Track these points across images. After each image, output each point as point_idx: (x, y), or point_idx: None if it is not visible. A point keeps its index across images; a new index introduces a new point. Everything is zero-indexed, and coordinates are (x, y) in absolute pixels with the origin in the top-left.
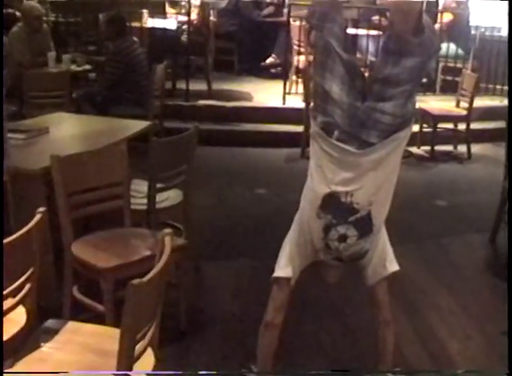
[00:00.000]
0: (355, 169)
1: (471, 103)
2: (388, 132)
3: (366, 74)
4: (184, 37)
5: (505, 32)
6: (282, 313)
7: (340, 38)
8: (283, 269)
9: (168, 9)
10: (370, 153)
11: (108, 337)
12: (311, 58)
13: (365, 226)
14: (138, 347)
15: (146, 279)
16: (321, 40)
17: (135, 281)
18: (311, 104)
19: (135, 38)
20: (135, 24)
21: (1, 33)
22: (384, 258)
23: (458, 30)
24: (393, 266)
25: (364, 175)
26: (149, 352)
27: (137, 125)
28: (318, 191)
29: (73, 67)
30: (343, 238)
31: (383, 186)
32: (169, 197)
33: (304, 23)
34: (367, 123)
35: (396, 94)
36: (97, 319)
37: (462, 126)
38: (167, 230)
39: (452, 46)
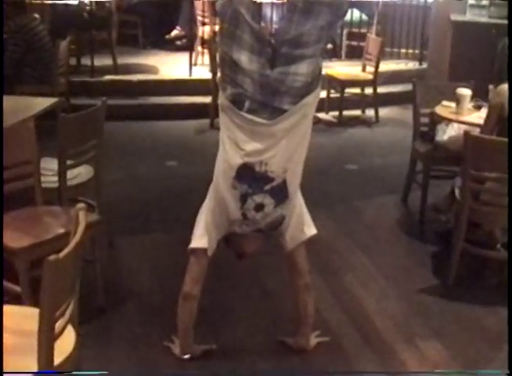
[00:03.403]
0: (267, 139)
1: (377, 67)
2: (300, 97)
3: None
4: (86, 12)
5: None
6: (200, 284)
7: (250, 7)
8: (199, 239)
9: None
10: (281, 122)
11: (26, 317)
12: (216, 28)
13: (280, 194)
14: (58, 324)
15: (62, 254)
16: (229, 8)
17: (51, 257)
18: (219, 75)
19: (36, 15)
20: (36, 1)
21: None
22: (302, 222)
23: None
24: (311, 230)
25: (277, 143)
26: (70, 329)
27: (44, 102)
28: (231, 162)
29: None
30: (260, 207)
31: (296, 152)
32: (80, 174)
33: None
34: (280, 89)
35: (306, 54)
36: (14, 301)
37: (369, 90)
38: (81, 205)
39: (356, 12)
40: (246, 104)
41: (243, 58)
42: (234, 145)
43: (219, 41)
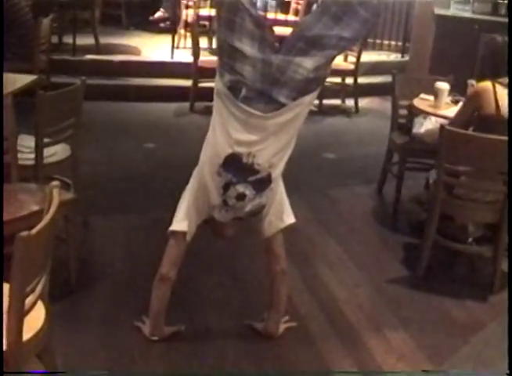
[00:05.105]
0: (259, 131)
1: (359, 57)
2: (297, 93)
3: None
4: None
5: None
6: (177, 267)
7: None
8: (180, 222)
9: None
10: (276, 116)
11: None
12: (199, 12)
13: (264, 186)
14: (29, 300)
15: (34, 231)
16: None
17: (23, 233)
18: (217, 61)
19: None
20: None
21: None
22: (282, 210)
23: None
24: (290, 219)
25: (268, 137)
26: (40, 305)
27: (23, 79)
28: (220, 150)
29: None
30: (242, 197)
31: (283, 149)
32: (57, 152)
33: None
34: (280, 79)
35: (317, 55)
36: None
37: (349, 80)
38: (55, 182)
39: None
40: (243, 92)
41: (245, 45)
42: (225, 132)
43: (217, 29)
